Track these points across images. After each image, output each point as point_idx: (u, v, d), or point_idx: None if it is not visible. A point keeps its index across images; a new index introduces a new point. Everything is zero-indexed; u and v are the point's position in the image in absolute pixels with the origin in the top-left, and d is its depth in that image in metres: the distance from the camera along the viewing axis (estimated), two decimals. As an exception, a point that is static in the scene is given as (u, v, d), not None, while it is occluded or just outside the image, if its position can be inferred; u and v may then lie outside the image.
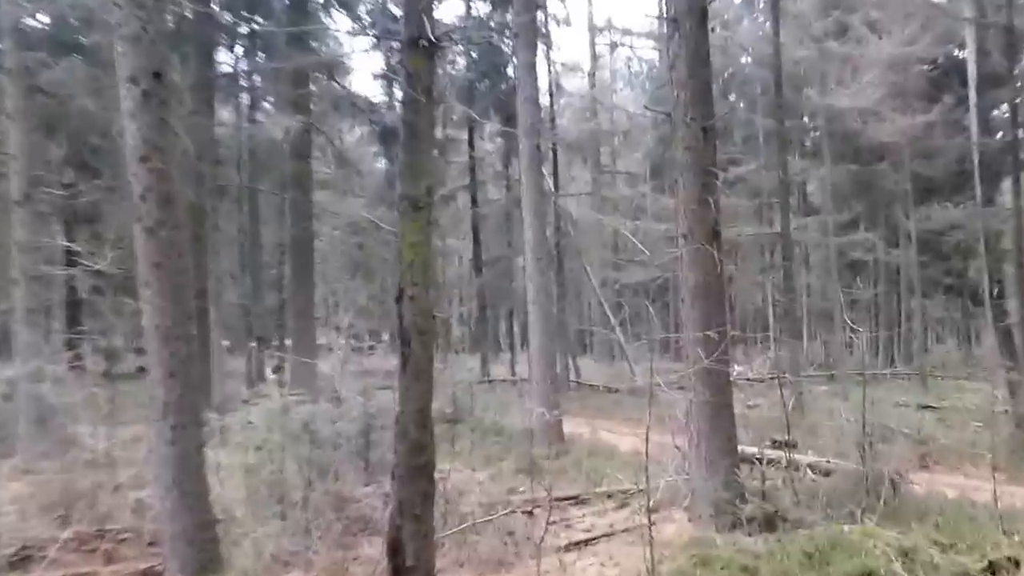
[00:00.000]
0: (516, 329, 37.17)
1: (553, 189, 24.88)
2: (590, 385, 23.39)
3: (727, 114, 27.23)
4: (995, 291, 16.02)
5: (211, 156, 15.94)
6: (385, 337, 37.75)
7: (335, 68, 19.34)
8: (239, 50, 20.34)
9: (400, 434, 5.54)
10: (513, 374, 26.79)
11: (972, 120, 18.74)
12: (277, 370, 18.70)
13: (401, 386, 5.41)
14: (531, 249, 13.34)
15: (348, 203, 24.37)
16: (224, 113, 22.09)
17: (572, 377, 24.01)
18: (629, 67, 43.34)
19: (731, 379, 7.86)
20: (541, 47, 23.86)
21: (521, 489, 8.74)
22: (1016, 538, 5.96)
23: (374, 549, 6.14)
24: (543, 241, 13.71)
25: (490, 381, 23.36)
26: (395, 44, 18.09)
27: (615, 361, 27.87)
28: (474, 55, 27.02)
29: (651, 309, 27.33)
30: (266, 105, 22.50)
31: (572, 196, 29.56)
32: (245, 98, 22.39)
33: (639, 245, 25.90)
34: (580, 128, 30.46)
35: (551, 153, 25.63)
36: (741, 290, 33.59)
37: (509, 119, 22.89)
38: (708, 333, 7.21)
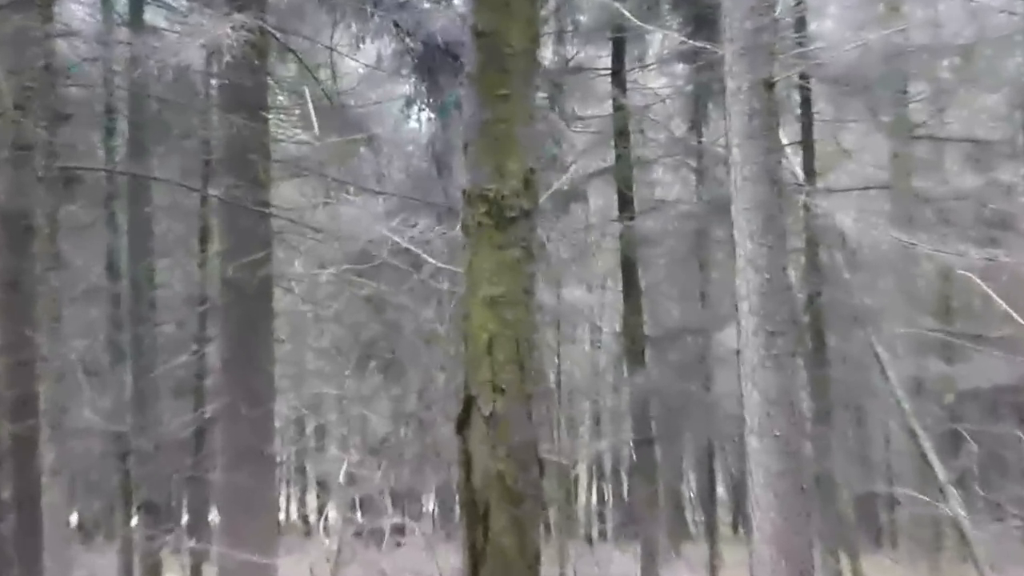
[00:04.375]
0: (720, 490, 36.80)
1: (802, 178, 24.49)
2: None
3: None
4: None
5: (49, 103, 16.07)
6: (429, 507, 37.37)
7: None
8: None
9: None
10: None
11: None
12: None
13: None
14: (753, 312, 13.20)
15: (349, 210, 24.40)
16: (77, 9, 22.52)
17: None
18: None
19: None
20: None
21: None
22: None
23: None
24: (781, 294, 13.52)
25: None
26: None
27: (946, 562, 27.10)
28: None
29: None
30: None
31: (845, 193, 29.16)
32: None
33: (1001, 303, 25.35)
34: (859, 47, 30.08)
35: (798, 99, 25.63)
36: None
37: (701, 24, 22.78)
38: None
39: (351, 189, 24.74)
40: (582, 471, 42.13)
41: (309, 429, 37.62)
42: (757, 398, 13.09)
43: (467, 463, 5.48)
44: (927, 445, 26.17)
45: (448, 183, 21.32)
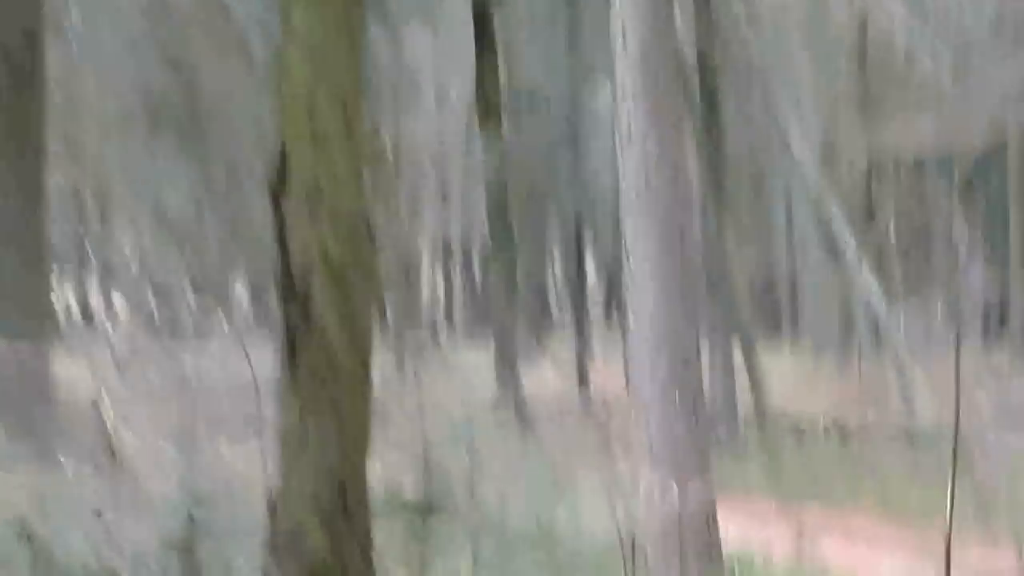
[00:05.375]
0: (590, 273, 37.37)
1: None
2: (793, 421, 23.64)
3: None
4: None
5: None
6: (238, 293, 36.88)
7: None
8: None
9: (281, 545, 5.28)
10: (582, 382, 27.98)
11: None
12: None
13: (285, 425, 5.16)
14: (631, 69, 13.14)
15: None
16: None
17: (744, 396, 24.07)
18: None
19: None
20: None
21: None
22: None
23: None
24: (664, 49, 13.53)
25: (521, 407, 24.21)
26: None
27: (858, 353, 27.85)
28: None
29: (959, 222, 26.94)
30: None
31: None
32: None
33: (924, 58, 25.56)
34: None
35: None
36: None
37: None
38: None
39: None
40: (425, 253, 42.14)
41: (90, 205, 36.99)
42: (634, 167, 13.08)
43: (282, 235, 5.18)
44: (835, 215, 26.21)
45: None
